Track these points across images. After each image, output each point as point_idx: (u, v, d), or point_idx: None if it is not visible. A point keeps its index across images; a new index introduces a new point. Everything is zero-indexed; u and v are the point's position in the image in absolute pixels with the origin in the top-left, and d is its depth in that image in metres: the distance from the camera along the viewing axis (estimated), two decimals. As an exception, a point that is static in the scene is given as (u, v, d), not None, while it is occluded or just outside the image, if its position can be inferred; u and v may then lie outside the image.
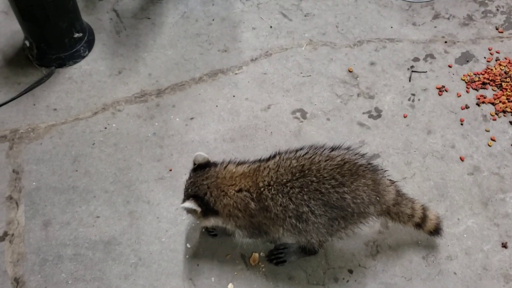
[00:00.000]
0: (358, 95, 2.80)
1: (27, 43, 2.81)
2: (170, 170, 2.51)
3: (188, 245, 2.30)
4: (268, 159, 2.08)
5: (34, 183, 2.45)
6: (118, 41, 2.98)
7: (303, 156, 2.01)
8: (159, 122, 2.68)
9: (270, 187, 1.96)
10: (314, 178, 1.94)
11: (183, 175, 2.49)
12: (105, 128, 2.64)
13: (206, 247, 2.29)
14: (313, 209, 1.94)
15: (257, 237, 2.10)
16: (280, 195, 1.95)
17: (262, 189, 1.97)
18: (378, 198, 2.02)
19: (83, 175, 2.48)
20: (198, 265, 2.24)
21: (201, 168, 2.06)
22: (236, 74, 2.87)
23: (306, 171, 1.95)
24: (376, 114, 2.72)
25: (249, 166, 2.06)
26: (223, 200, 1.98)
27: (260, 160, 2.10)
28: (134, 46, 2.96)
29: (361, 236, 2.31)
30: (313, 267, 2.25)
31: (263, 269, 2.24)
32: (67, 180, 2.47)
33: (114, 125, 2.66)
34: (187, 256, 2.27)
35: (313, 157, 1.99)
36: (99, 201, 2.41)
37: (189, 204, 1.96)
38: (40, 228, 2.32)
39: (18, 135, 2.59)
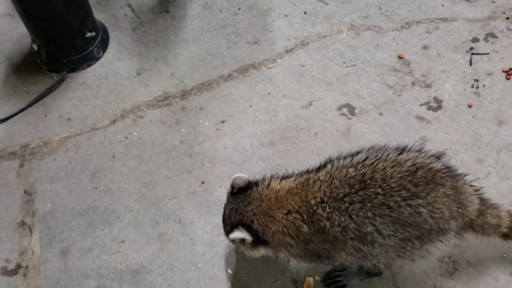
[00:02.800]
0: (413, 84, 2.42)
1: (35, 46, 2.51)
2: (203, 182, 2.18)
3: (229, 271, 1.96)
4: (318, 169, 1.72)
5: (49, 205, 2.15)
6: (135, 39, 2.65)
7: (362, 162, 1.64)
8: (186, 128, 2.35)
9: (324, 205, 1.60)
10: (379, 190, 1.57)
11: (218, 187, 2.16)
12: (126, 137, 2.32)
13: (251, 272, 1.95)
14: (379, 228, 1.57)
15: (317, 262, 1.75)
16: (337, 213, 1.58)
17: (314, 207, 1.61)
18: (460, 210, 1.65)
19: (104, 193, 2.17)
20: (242, 294, 1.91)
21: (241, 191, 1.71)
22: (269, 68, 2.52)
23: (368, 182, 1.58)
24: (436, 105, 2.35)
25: (295, 180, 1.71)
26: (272, 227, 1.63)
27: (308, 171, 1.74)
28: (153, 44, 2.64)
29: (434, 251, 1.94)
30: (379, 291, 1.89)
31: (320, 296, 1.89)
32: (86, 199, 2.16)
33: (135, 133, 2.33)
34: (228, 285, 1.93)
35: (375, 163, 1.63)
36: (124, 222, 2.09)
37: (239, 234, 1.62)
38: (58, 257, 2.01)
39: (29, 150, 2.29)
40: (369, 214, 1.56)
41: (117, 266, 1.98)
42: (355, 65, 2.51)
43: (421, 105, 2.35)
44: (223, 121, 2.36)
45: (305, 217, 1.62)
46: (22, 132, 2.36)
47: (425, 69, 2.47)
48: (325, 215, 1.59)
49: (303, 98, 2.42)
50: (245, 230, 1.62)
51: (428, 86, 2.41)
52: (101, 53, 2.58)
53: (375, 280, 1.91)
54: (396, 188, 1.57)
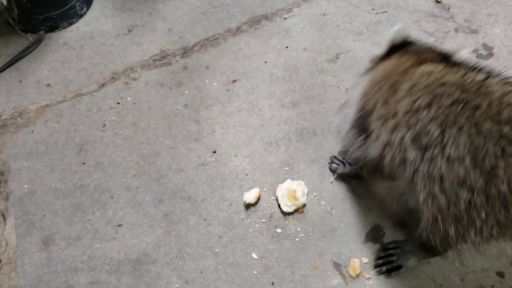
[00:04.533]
0: (456, 30, 2.05)
1: (4, 1, 2.09)
2: (214, 151, 1.79)
3: (255, 255, 1.57)
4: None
5: (26, 186, 1.74)
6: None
7: None
8: (190, 90, 1.95)
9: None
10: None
11: (233, 156, 1.77)
12: (118, 103, 1.92)
13: (281, 257, 1.56)
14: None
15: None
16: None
17: None
18: None
19: (94, 168, 1.77)
20: (273, 283, 1.52)
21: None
22: (285, 19, 2.14)
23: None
24: (486, 52, 1.98)
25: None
26: None
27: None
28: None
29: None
30: (444, 272, 1.51)
31: (370, 282, 1.51)
32: (72, 177, 1.75)
33: (129, 98, 1.94)
34: (255, 272, 1.54)
35: None
36: (119, 202, 1.69)
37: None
38: (39, 249, 1.61)
39: (1, 122, 1.88)
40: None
41: (114, 255, 1.58)
42: (386, 11, 2.13)
43: (469, 53, 1.98)
44: (234, 81, 1.97)
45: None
46: (-9, 101, 1.95)
47: (468, 13, 2.10)
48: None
49: (328, 50, 2.03)
50: None
51: (474, 32, 2.04)
52: (84, 9, 2.18)
53: (438, 261, 1.53)
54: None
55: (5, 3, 2.09)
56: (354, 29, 2.09)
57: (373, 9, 2.14)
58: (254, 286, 1.51)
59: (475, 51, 1.98)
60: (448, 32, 2.04)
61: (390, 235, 1.59)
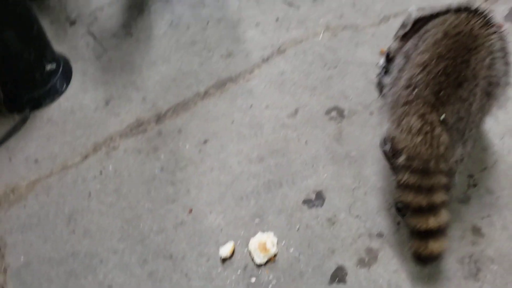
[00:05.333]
0: (400, 78, 2.28)
1: (-9, 87, 2.31)
2: (190, 211, 1.98)
3: (233, 305, 1.75)
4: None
5: (22, 258, 1.92)
6: (99, 68, 2.47)
7: None
8: (165, 154, 2.15)
9: None
10: None
11: (208, 214, 1.96)
12: (101, 173, 2.12)
13: (257, 303, 1.74)
14: None
15: None
16: None
17: None
18: None
19: (83, 236, 1.95)
20: (250, 329, 1.70)
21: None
22: (248, 80, 2.36)
23: None
24: (427, 97, 2.21)
25: None
26: None
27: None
28: (120, 70, 2.46)
29: (452, 253, 1.77)
30: None
31: (337, 320, 1.69)
32: (64, 246, 1.93)
33: (110, 167, 2.13)
34: (234, 320, 1.72)
35: None
36: (108, 265, 1.87)
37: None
38: (38, 316, 1.78)
39: (-5, 200, 2.07)
40: None
41: (106, 316, 1.76)
42: (337, 66, 2.37)
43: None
44: (205, 141, 2.18)
45: None
46: (-15, 181, 2.13)
47: (410, 61, 2.34)
48: None
49: (287, 106, 2.26)
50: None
51: (417, 78, 2.28)
52: (64, 86, 2.39)
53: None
54: None
55: (-9, 88, 2.30)
56: (310, 85, 2.31)
57: (325, 65, 2.37)
58: (234, 333, 1.69)
59: (418, 96, 2.21)
60: (393, 80, 2.28)
61: (353, 274, 1.78)
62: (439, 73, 1.55)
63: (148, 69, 2.45)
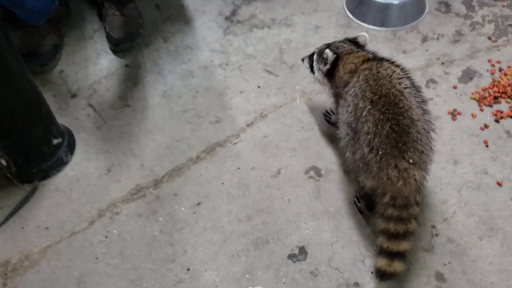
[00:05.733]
0: (369, 138, 2.58)
1: (3, 161, 2.54)
2: (188, 269, 2.22)
3: None
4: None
5: (38, 320, 2.13)
6: (100, 137, 2.74)
7: None
8: (163, 217, 2.40)
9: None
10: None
11: (204, 271, 2.20)
12: (106, 237, 2.35)
13: None
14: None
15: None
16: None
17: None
18: None
19: (92, 297, 2.17)
20: None
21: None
22: (235, 144, 2.64)
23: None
24: (394, 155, 2.50)
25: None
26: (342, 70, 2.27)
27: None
28: (119, 139, 2.72)
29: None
30: None
31: None
32: (75, 307, 2.15)
33: (114, 231, 2.37)
34: None
35: None
36: (116, 324, 2.09)
37: (330, 53, 2.29)
38: None
39: (11, 267, 2.28)
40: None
41: None
42: (313, 128, 2.66)
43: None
44: (198, 204, 2.43)
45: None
46: (0, 249, 2.35)
47: (378, 122, 2.64)
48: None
49: (271, 167, 2.53)
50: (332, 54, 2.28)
51: (384, 137, 2.57)
52: (69, 156, 2.64)
53: None
54: None
55: (4, 163, 2.54)
56: (290, 147, 2.60)
57: (303, 127, 2.66)
58: None
59: (385, 154, 2.50)
60: (363, 140, 2.57)
61: (334, 321, 2.03)
62: (389, 133, 1.94)
63: (145, 137, 2.72)
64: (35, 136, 2.46)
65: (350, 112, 2.11)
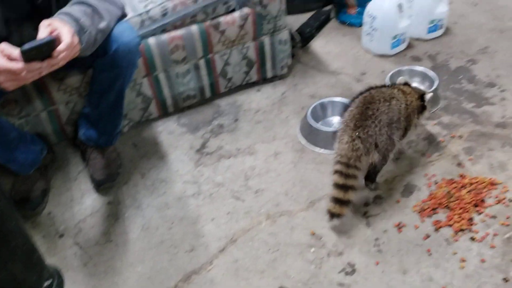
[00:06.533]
0: (328, 255, 2.90)
1: (-4, 307, 2.77)
2: None
3: None
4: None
5: None
6: (87, 274, 3.00)
7: None
8: None
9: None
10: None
11: None
12: None
13: None
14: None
15: None
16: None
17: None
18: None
19: None
20: None
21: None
22: (209, 271, 2.93)
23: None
24: (350, 269, 2.81)
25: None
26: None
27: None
28: (104, 274, 2.99)
29: None
30: None
31: None
32: None
33: None
34: None
35: None
36: None
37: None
38: None
39: None
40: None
41: None
42: (278, 249, 2.98)
43: (339, 272, 2.81)
44: (178, 332, 2.66)
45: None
46: None
47: (334, 239, 2.98)
48: None
49: (242, 291, 2.80)
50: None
51: (341, 254, 2.90)
52: (58, 295, 2.88)
53: None
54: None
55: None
56: (259, 269, 2.89)
57: (269, 249, 2.97)
58: None
59: (343, 270, 2.81)
60: (323, 258, 2.88)
61: None
62: (356, 114, 2.87)
63: (127, 270, 2.99)
64: (28, 281, 2.71)
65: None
